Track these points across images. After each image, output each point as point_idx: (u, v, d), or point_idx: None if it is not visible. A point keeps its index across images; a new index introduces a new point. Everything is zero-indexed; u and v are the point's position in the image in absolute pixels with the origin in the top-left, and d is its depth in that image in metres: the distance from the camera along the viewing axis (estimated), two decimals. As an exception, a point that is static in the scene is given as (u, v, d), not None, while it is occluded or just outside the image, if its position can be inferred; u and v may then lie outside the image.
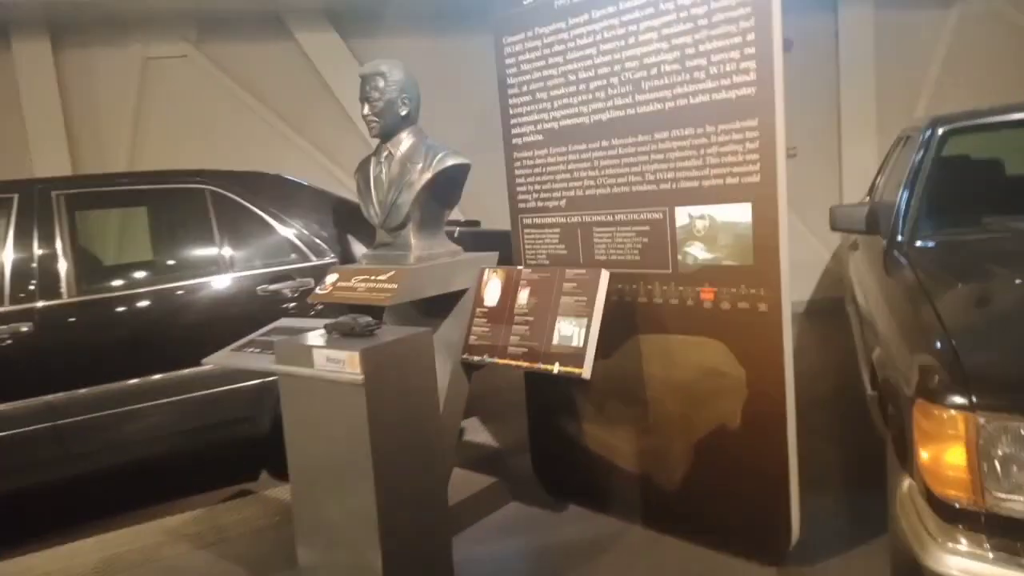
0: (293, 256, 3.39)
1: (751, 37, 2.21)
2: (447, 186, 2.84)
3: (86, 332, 2.98)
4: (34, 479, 3.00)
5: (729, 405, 2.44)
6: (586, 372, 2.45)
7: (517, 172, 2.98)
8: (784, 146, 2.23)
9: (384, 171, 2.84)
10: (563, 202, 2.84)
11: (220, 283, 3.21)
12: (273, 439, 3.32)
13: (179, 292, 3.15)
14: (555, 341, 2.57)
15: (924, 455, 1.48)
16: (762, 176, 2.25)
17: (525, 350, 2.63)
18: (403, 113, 2.80)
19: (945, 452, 1.42)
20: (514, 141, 2.97)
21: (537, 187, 2.92)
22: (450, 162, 2.77)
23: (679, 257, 2.50)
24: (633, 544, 2.67)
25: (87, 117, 5.83)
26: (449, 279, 2.81)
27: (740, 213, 2.32)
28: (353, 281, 2.80)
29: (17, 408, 2.85)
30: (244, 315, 3.22)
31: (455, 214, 3.74)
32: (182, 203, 3.27)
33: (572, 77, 2.70)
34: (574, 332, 2.54)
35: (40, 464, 2.95)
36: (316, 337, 2.29)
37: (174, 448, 3.21)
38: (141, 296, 3.08)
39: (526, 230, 3.01)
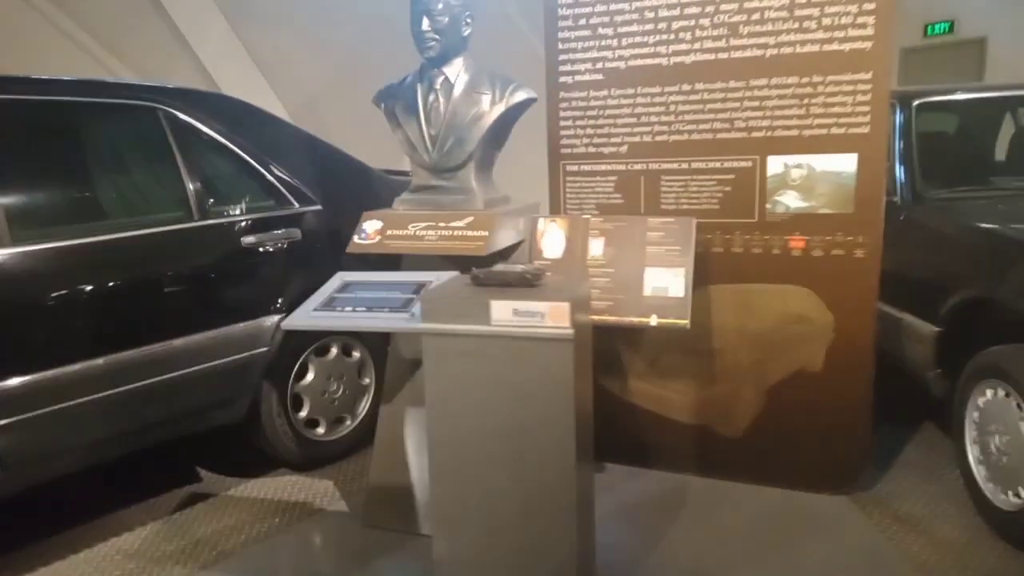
0: (272, 202, 2.75)
1: (871, -8, 2.29)
2: (507, 124, 2.52)
3: (25, 297, 2.11)
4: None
5: (811, 350, 2.56)
6: (688, 323, 2.39)
7: (563, 114, 2.76)
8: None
9: (441, 101, 2.43)
10: (624, 148, 2.69)
11: (194, 233, 2.49)
12: (247, 427, 2.75)
13: (142, 244, 2.37)
14: (647, 292, 2.45)
15: None
16: (872, 127, 2.36)
17: (610, 303, 2.47)
18: (466, 33, 2.42)
19: None
20: (562, 79, 2.73)
21: (590, 131, 2.73)
22: (522, 95, 2.46)
23: (767, 206, 2.53)
24: (701, 493, 2.68)
25: None
26: (517, 228, 2.52)
27: (844, 163, 2.41)
28: (412, 229, 2.38)
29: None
30: (224, 274, 2.56)
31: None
32: (131, 126, 2.45)
33: (649, 15, 2.56)
34: (670, 282, 2.44)
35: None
36: (461, 287, 1.91)
37: (127, 450, 2.44)
38: (95, 248, 2.26)
39: (569, 177, 2.80)
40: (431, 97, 2.44)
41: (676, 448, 2.79)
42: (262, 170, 2.71)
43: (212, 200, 2.57)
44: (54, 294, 2.17)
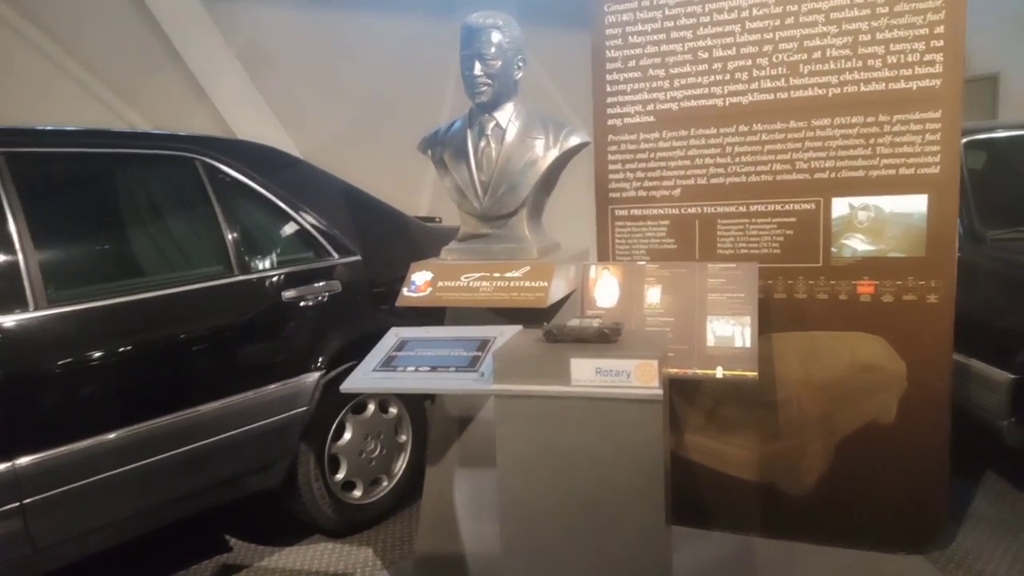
0: (311, 253, 2.63)
1: (939, 30, 2.22)
2: (558, 169, 2.42)
3: (60, 363, 1.97)
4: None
5: (883, 400, 2.42)
6: (756, 374, 2.26)
7: (612, 157, 2.66)
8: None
9: (493, 146, 2.33)
10: (677, 191, 2.59)
11: (234, 288, 2.36)
12: (281, 492, 2.58)
13: (182, 303, 2.24)
14: (710, 343, 2.32)
15: None
16: (942, 167, 2.27)
17: (671, 354, 2.33)
18: (517, 77, 2.33)
19: None
20: (611, 122, 2.64)
21: (640, 174, 2.63)
22: (576, 140, 2.36)
23: (832, 250, 2.42)
24: (768, 556, 2.51)
25: None
26: (571, 276, 2.40)
27: (914, 204, 2.31)
28: (465, 280, 2.25)
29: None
30: (265, 330, 2.43)
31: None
32: (169, 178, 2.34)
33: (703, 55, 2.48)
34: (735, 332, 2.32)
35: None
36: (532, 344, 1.78)
37: (162, 523, 2.27)
38: (134, 308, 2.12)
39: (619, 222, 2.70)
40: (482, 143, 2.34)
41: (738, 507, 2.63)
42: (301, 220, 2.60)
43: (252, 253, 2.44)
44: (90, 359, 2.03)
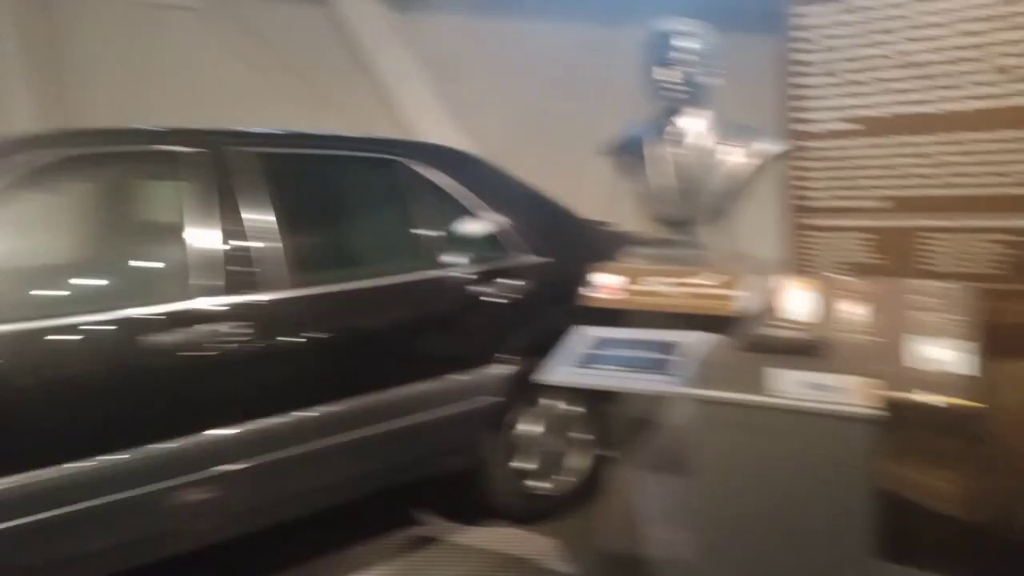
0: (507, 253, 2.82)
1: None
2: (748, 177, 2.39)
3: (302, 337, 2.30)
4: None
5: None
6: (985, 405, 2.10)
7: (804, 165, 2.59)
8: None
9: (681, 152, 2.35)
10: (878, 203, 2.47)
11: (429, 281, 2.64)
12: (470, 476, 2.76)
13: (391, 292, 2.57)
14: (925, 367, 2.15)
15: None
16: None
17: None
18: (707, 83, 2.34)
19: None
20: (803, 129, 2.57)
21: (836, 183, 2.54)
22: (768, 147, 2.34)
23: (1063, 270, 2.22)
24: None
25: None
26: (762, 287, 2.36)
27: None
28: (654, 284, 2.28)
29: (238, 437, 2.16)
30: (465, 322, 2.72)
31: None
32: (377, 179, 2.63)
33: (910, 59, 2.36)
34: (954, 357, 2.12)
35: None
36: (728, 352, 1.80)
37: (369, 491, 2.58)
38: (360, 294, 2.47)
39: (810, 233, 2.61)
40: (668, 149, 2.36)
41: (943, 546, 2.45)
42: (496, 222, 2.84)
43: (453, 251, 2.70)
44: (320, 337, 2.33)
